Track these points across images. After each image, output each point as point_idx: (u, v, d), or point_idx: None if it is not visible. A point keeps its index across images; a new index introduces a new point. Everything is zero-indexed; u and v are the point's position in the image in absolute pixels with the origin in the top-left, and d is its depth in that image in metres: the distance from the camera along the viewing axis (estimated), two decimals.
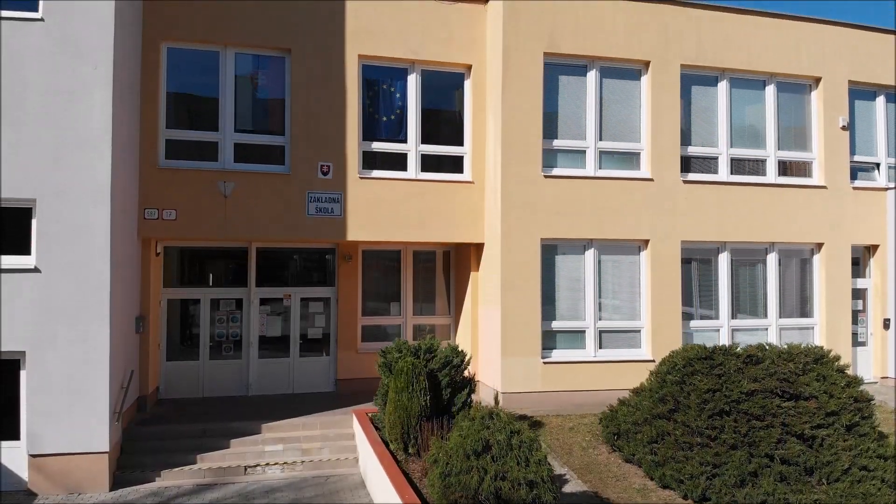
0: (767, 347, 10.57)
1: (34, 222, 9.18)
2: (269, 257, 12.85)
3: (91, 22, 9.28)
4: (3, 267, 9.01)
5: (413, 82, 12.43)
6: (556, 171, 12.06)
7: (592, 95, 12.30)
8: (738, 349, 10.41)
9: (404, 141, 12.41)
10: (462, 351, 9.90)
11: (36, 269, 9.08)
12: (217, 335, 12.51)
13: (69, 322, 9.13)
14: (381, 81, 12.40)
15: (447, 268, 13.78)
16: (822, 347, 10.14)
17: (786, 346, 10.24)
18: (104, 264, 9.23)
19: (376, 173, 12.18)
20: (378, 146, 12.28)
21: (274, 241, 12.42)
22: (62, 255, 9.15)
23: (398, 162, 12.38)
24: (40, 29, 9.19)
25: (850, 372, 12.88)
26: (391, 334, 13.23)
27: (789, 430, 9.12)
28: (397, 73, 12.43)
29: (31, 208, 9.20)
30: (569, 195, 11.99)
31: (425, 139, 12.51)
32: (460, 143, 12.68)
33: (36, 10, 9.29)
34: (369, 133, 12.28)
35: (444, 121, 12.80)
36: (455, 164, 12.66)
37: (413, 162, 12.38)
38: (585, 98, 12.31)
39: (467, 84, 12.66)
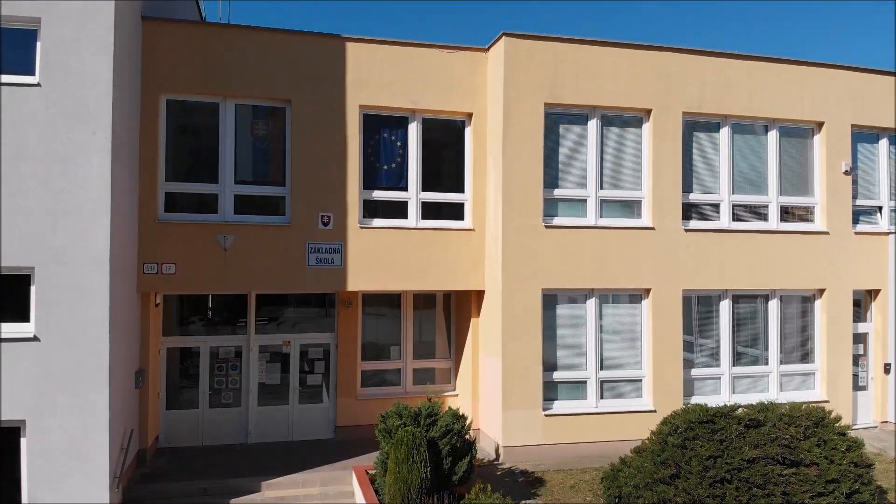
0: (769, 406, 10.56)
1: (33, 289, 9.12)
2: (268, 304, 12.80)
3: (89, 86, 9.20)
4: (2, 336, 8.96)
5: (414, 130, 12.36)
6: (557, 221, 12.01)
7: (593, 144, 12.23)
8: (740, 410, 10.39)
9: (405, 189, 12.35)
10: (463, 416, 9.88)
11: (35, 338, 9.03)
12: (217, 383, 12.48)
13: (69, 390, 9.09)
14: (382, 130, 12.33)
15: (448, 310, 13.74)
16: (823, 408, 10.10)
17: (787, 407, 10.21)
18: (104, 332, 9.19)
19: (377, 222, 12.13)
20: (379, 195, 12.23)
21: (274, 292, 12.36)
22: (61, 323, 9.10)
23: (399, 210, 12.33)
24: (37, 94, 9.12)
25: (849, 420, 13.00)
26: (391, 379, 13.23)
27: (790, 499, 9.10)
28: (398, 122, 12.36)
29: (29, 275, 9.15)
30: (570, 245, 11.95)
31: (426, 187, 12.46)
32: (461, 189, 12.62)
33: (33, 73, 9.21)
34: (370, 182, 12.22)
35: (444, 168, 12.73)
36: (456, 211, 12.60)
37: (414, 210, 12.32)
38: (586, 146, 12.25)
39: (468, 131, 12.60)
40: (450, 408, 10.13)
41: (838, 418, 10.03)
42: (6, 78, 9.07)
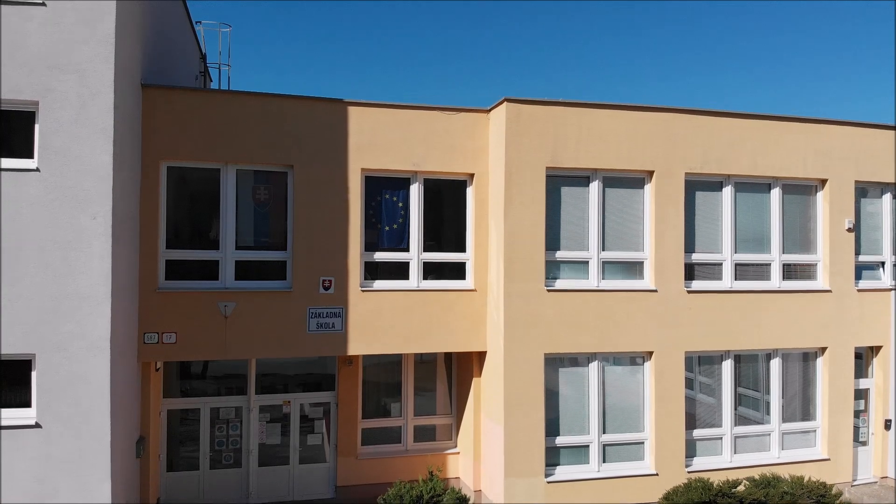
0: (770, 481, 10.58)
1: (34, 375, 9.11)
2: (268, 364, 12.77)
3: (89, 171, 9.15)
4: (3, 424, 8.94)
5: (415, 191, 12.30)
6: (559, 284, 11.97)
7: (595, 205, 12.18)
8: (741, 486, 10.41)
9: (406, 249, 12.30)
10: (465, 497, 9.86)
11: (37, 425, 9.01)
12: (217, 444, 12.46)
13: (71, 476, 9.09)
14: (384, 191, 12.27)
15: (449, 365, 13.71)
16: (824, 484, 10.15)
17: (789, 482, 10.23)
18: (105, 418, 9.17)
19: (378, 284, 12.09)
20: (380, 256, 12.18)
21: (274, 357, 12.33)
22: (62, 409, 9.08)
23: (400, 270, 12.28)
24: (36, 179, 9.07)
25: (849, 477, 13.04)
26: (392, 437, 13.21)
27: None
28: (400, 182, 12.30)
29: (30, 360, 9.12)
30: (572, 308, 11.91)
31: (427, 247, 12.41)
32: (462, 249, 12.57)
33: (31, 156, 9.15)
34: (371, 243, 12.17)
35: (446, 227, 12.67)
36: (457, 271, 12.56)
37: (415, 270, 12.28)
38: (588, 208, 12.19)
39: (470, 190, 12.54)
40: (452, 488, 10.12)
41: (839, 494, 10.05)
42: (5, 162, 9.01)
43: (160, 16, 12.67)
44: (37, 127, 9.12)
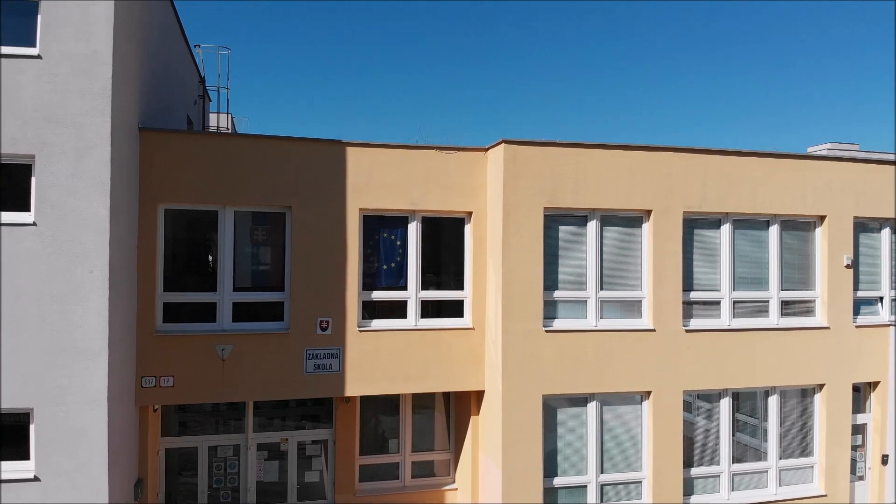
0: None
1: (32, 428, 9.10)
2: (266, 402, 12.76)
3: (85, 225, 9.13)
4: (3, 477, 8.94)
5: (413, 230, 12.29)
6: (557, 324, 11.96)
7: (593, 245, 12.17)
8: None
9: (404, 288, 12.29)
10: None
11: (36, 479, 9.01)
12: (215, 482, 12.47)
13: None
14: (382, 230, 12.26)
15: (447, 400, 13.71)
16: None
17: None
18: (102, 471, 9.17)
19: (376, 323, 12.08)
20: (378, 295, 12.17)
21: (271, 399, 12.31)
22: (61, 462, 9.09)
23: (398, 309, 12.27)
24: (33, 233, 9.05)
25: None
26: (390, 473, 13.21)
27: None
28: (398, 221, 12.29)
29: (28, 413, 9.12)
30: (570, 349, 11.90)
31: (426, 285, 12.41)
32: (460, 286, 12.56)
33: (28, 209, 9.14)
34: (369, 283, 12.16)
35: (444, 265, 12.65)
36: (455, 309, 12.54)
37: (413, 309, 12.27)
38: (586, 248, 12.18)
39: (468, 228, 12.52)
40: None
41: None
42: (3, 217, 8.99)
43: (158, 49, 12.64)
44: (33, 180, 9.10)
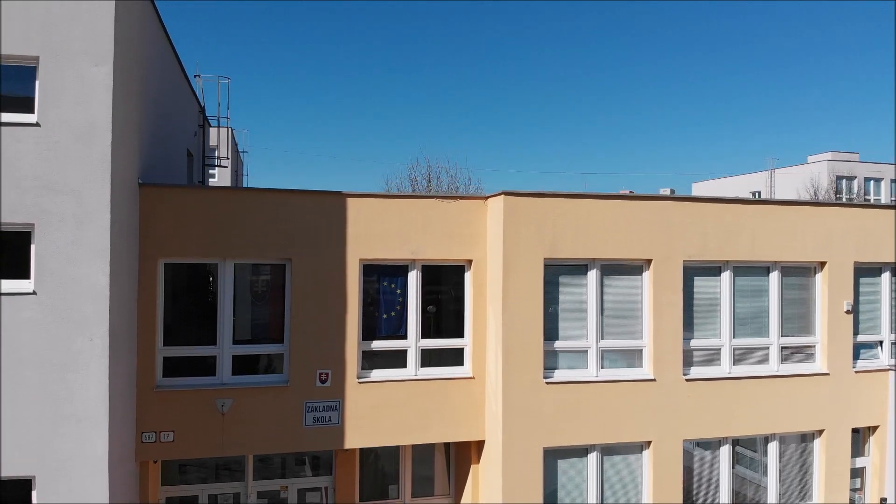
0: None
1: (34, 494, 9.10)
2: None
3: (85, 293, 9.11)
4: None
5: (413, 278, 12.28)
6: (557, 376, 11.97)
7: (593, 294, 12.17)
8: None
9: (404, 337, 12.29)
10: None
11: None
12: None
13: None
14: (382, 278, 12.25)
15: (448, 446, 13.69)
16: None
17: None
18: None
19: (375, 374, 12.08)
20: (378, 345, 12.17)
21: (270, 453, 12.30)
22: None
23: (398, 358, 12.28)
24: (33, 301, 9.03)
25: None
26: None
27: None
28: (398, 269, 12.28)
29: (30, 481, 9.11)
30: (571, 400, 11.91)
31: (425, 333, 12.40)
32: (461, 334, 12.56)
33: (28, 277, 9.12)
34: (369, 332, 12.15)
35: (444, 312, 12.65)
36: (455, 357, 12.54)
37: (413, 358, 12.27)
38: (587, 297, 12.19)
39: (468, 275, 12.52)
40: None
41: None
42: (4, 286, 8.98)
43: (158, 94, 12.61)
44: (33, 248, 9.07)
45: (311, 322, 11.65)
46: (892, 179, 49.72)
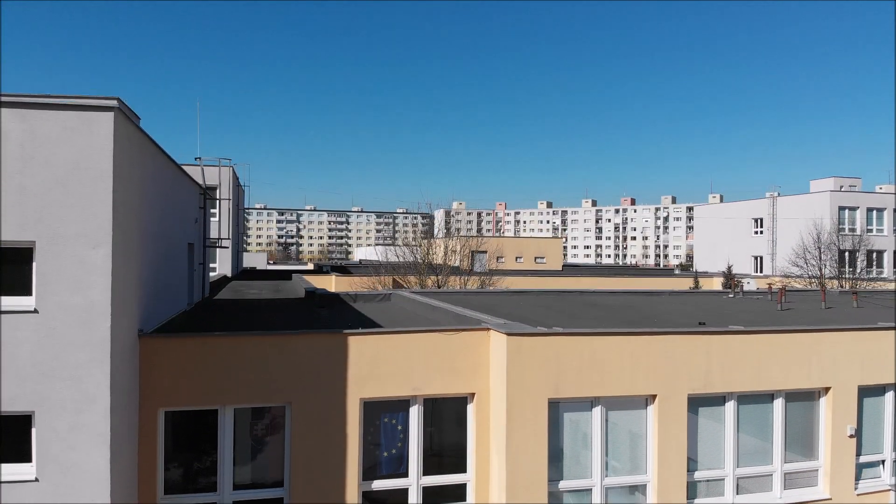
0: None
1: None
2: None
3: (86, 478, 9.05)
4: None
5: (415, 413, 12.20)
6: None
7: (598, 430, 12.10)
8: None
9: (405, 475, 12.21)
10: None
11: None
12: None
13: None
14: (383, 415, 12.17)
15: None
16: None
17: None
18: None
19: None
20: (378, 485, 12.09)
21: None
22: None
23: (398, 497, 12.20)
24: (35, 489, 8.98)
25: None
26: None
27: None
28: (399, 405, 12.20)
29: None
30: None
31: (427, 469, 12.33)
32: (463, 469, 12.48)
33: (30, 461, 9.05)
34: (369, 471, 12.07)
35: (446, 447, 12.58)
36: (457, 493, 12.47)
37: (414, 497, 12.20)
38: (591, 434, 12.11)
39: (470, 408, 12.44)
40: None
41: None
42: (6, 474, 8.92)
43: (157, 219, 12.48)
44: (34, 431, 9.01)
45: (312, 465, 11.57)
46: (894, 210, 49.60)
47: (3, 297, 8.95)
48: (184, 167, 16.41)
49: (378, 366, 11.86)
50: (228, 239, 21.67)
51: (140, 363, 10.92)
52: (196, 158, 18.76)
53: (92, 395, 9.05)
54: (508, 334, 11.62)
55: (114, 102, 9.08)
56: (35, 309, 8.93)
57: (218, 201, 19.19)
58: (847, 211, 48.30)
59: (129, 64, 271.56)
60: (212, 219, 21.89)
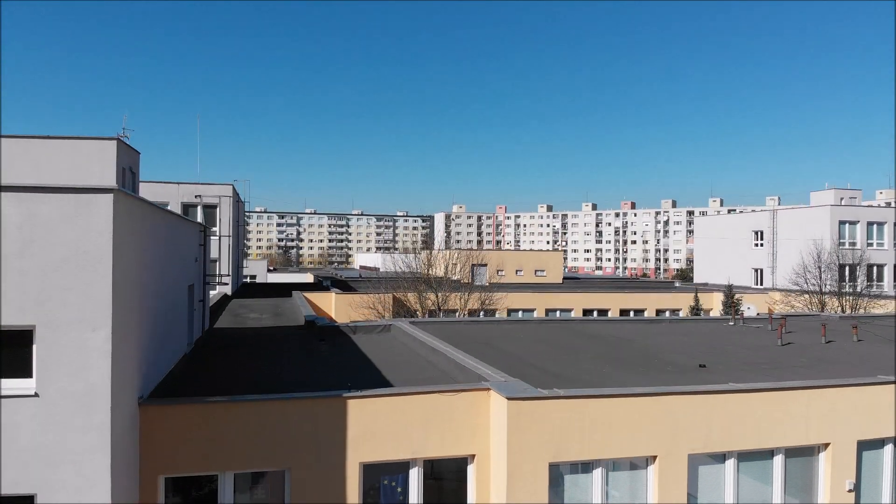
0: None
1: None
2: None
3: None
4: None
5: (415, 475, 12.20)
6: None
7: (598, 493, 12.10)
8: None
9: None
10: None
11: None
12: None
13: None
14: (382, 477, 12.17)
15: None
16: None
17: None
18: None
19: None
20: None
21: None
22: None
23: None
24: None
25: None
26: None
27: None
28: (399, 467, 12.20)
29: None
30: None
31: None
32: None
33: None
34: None
35: None
36: None
37: None
38: (591, 495, 12.11)
39: (471, 469, 12.44)
40: None
41: None
42: None
43: (158, 277, 12.48)
44: None
45: None
46: (894, 224, 49.60)
47: (4, 380, 8.94)
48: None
49: (378, 428, 11.87)
50: (229, 276, 21.67)
51: (140, 430, 10.93)
52: (196, 196, 18.75)
53: (92, 480, 9.05)
54: (509, 398, 11.62)
55: (112, 184, 9.09)
56: (36, 392, 8.93)
57: (218, 238, 19.22)
58: (847, 225, 48.32)
59: (126, 68, 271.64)
60: (212, 237, 21.94)
